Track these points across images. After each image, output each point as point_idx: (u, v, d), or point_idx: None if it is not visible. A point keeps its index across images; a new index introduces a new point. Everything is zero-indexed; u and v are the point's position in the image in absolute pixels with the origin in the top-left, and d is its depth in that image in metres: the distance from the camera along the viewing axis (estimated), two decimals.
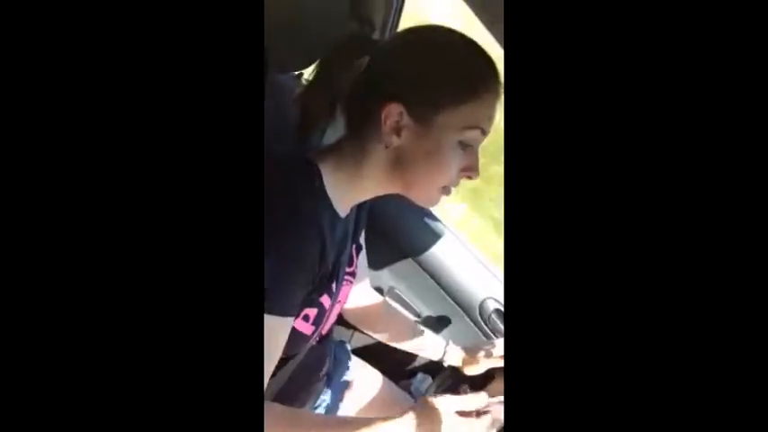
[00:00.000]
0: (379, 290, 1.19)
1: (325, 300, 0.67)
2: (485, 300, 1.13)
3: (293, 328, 0.62)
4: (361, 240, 0.83)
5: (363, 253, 0.86)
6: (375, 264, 1.16)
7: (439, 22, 0.65)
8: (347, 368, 0.97)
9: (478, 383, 0.93)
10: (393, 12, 0.98)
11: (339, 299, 0.74)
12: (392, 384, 1.02)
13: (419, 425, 0.61)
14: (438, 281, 1.16)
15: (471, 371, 0.93)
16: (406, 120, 0.60)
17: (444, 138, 0.60)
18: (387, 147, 0.61)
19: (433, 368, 1.09)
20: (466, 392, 0.66)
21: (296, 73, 0.93)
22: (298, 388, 0.78)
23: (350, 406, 0.94)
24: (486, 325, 1.14)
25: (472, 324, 1.15)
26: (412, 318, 1.17)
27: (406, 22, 1.02)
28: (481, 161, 0.65)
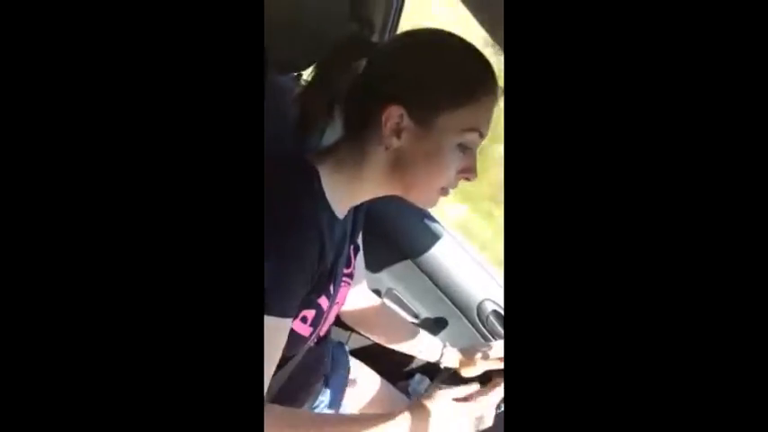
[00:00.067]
0: (377, 292, 1.19)
1: (323, 301, 0.67)
2: (482, 301, 1.13)
3: (291, 330, 0.62)
4: (359, 242, 0.84)
5: (361, 254, 0.86)
6: (374, 265, 1.16)
7: (438, 24, 0.65)
8: (346, 369, 0.97)
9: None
10: (392, 14, 0.99)
11: (337, 300, 0.74)
12: (390, 385, 1.02)
13: (413, 423, 0.61)
14: (436, 282, 1.16)
15: (468, 372, 0.93)
16: (407, 122, 0.60)
17: (444, 140, 0.61)
18: (387, 148, 0.62)
19: (431, 370, 1.10)
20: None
21: (295, 74, 0.93)
22: (296, 389, 0.78)
23: (348, 407, 0.94)
24: (484, 327, 1.14)
25: (470, 326, 1.15)
26: (410, 319, 1.18)
27: (405, 25, 1.02)
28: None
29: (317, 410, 0.87)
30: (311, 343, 0.74)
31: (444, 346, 0.96)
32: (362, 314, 0.96)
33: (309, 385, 0.84)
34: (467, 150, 0.63)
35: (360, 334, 1.01)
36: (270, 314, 0.56)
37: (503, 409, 0.72)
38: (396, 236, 1.16)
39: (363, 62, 0.64)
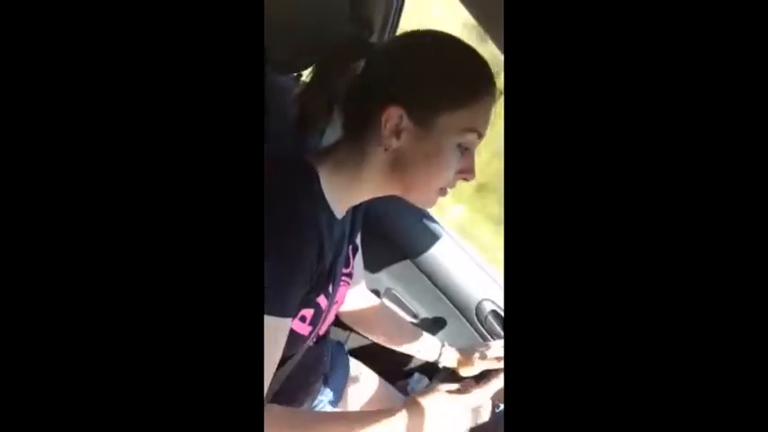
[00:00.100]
0: (377, 292, 1.19)
1: (322, 300, 0.68)
2: (481, 301, 1.13)
3: (290, 329, 0.62)
4: (358, 242, 0.84)
5: (359, 254, 0.87)
6: (373, 265, 1.17)
7: (436, 26, 0.65)
8: (345, 368, 0.97)
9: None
10: (392, 15, 0.99)
11: (336, 299, 0.74)
12: (388, 385, 1.02)
13: (410, 420, 0.61)
14: (435, 282, 1.16)
15: (466, 372, 0.94)
16: (406, 122, 0.60)
17: (444, 140, 0.61)
18: (386, 149, 0.62)
19: (429, 369, 1.10)
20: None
21: (295, 74, 0.93)
22: (296, 388, 0.78)
23: (348, 406, 0.94)
24: (483, 326, 1.14)
25: (468, 325, 1.16)
26: (409, 319, 1.18)
27: (404, 26, 1.03)
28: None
29: (316, 410, 0.88)
30: (310, 342, 0.75)
31: (443, 345, 0.96)
32: (361, 314, 0.96)
33: (309, 385, 0.84)
34: (465, 151, 0.63)
35: (359, 334, 1.01)
36: (270, 314, 0.56)
37: (501, 408, 0.73)
38: (395, 236, 1.16)
39: (362, 63, 0.64)
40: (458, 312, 1.16)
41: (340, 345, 1.02)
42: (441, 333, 1.17)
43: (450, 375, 0.97)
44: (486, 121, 0.63)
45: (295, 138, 0.69)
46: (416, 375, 1.12)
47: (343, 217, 0.70)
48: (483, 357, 0.91)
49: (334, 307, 0.77)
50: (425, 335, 0.97)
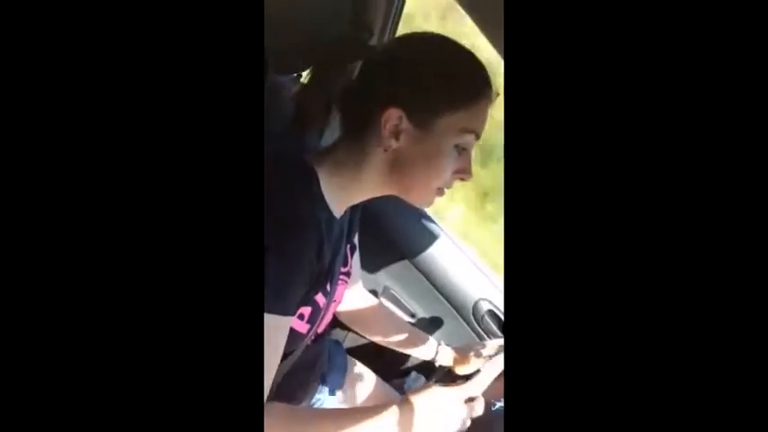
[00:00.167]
0: (374, 292, 1.19)
1: (320, 298, 0.68)
2: (478, 301, 1.14)
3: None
4: (355, 241, 0.85)
5: (357, 254, 0.87)
6: (371, 265, 1.17)
7: (435, 28, 0.66)
8: (344, 367, 0.98)
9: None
10: (392, 17, 0.99)
11: (334, 298, 0.75)
12: (386, 384, 1.03)
13: (401, 417, 0.62)
14: (433, 282, 1.17)
15: (462, 370, 0.94)
16: (406, 124, 0.61)
17: (442, 141, 0.62)
18: (385, 150, 0.63)
19: (426, 368, 1.10)
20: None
21: (295, 75, 0.94)
22: (294, 386, 0.79)
23: (345, 405, 0.95)
24: (479, 326, 1.15)
25: (465, 325, 1.16)
26: (406, 318, 1.18)
27: (403, 28, 1.03)
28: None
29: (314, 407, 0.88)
30: (308, 341, 0.75)
31: (439, 344, 0.97)
32: (359, 313, 0.96)
33: (307, 383, 0.85)
34: (463, 151, 0.64)
35: (356, 333, 1.02)
36: (271, 312, 0.57)
37: (497, 406, 0.73)
38: (393, 236, 1.17)
39: (360, 64, 0.65)
40: (455, 312, 1.17)
41: (338, 343, 1.03)
42: (438, 332, 1.18)
43: (447, 374, 0.98)
44: (482, 123, 0.64)
45: (294, 137, 0.70)
46: (413, 374, 1.13)
47: (342, 216, 0.70)
48: (479, 356, 0.91)
49: (333, 305, 0.77)
50: (422, 334, 0.98)
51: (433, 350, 0.96)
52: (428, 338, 0.98)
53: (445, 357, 0.96)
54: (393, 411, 0.62)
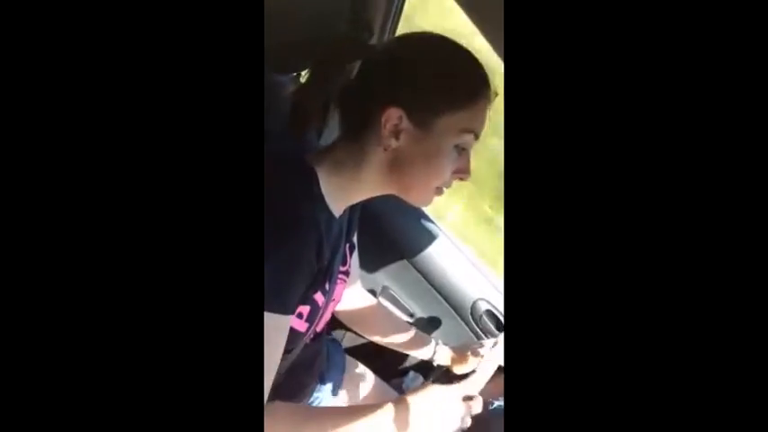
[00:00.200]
0: (373, 291, 1.20)
1: (319, 297, 0.68)
2: (476, 301, 1.14)
3: None
4: (354, 240, 0.85)
5: (356, 253, 0.87)
6: (370, 265, 1.18)
7: (434, 28, 0.66)
8: (342, 367, 0.98)
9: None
10: (391, 16, 1.00)
11: (333, 297, 0.75)
12: (384, 383, 1.03)
13: (396, 414, 0.62)
14: (431, 282, 1.17)
15: (460, 369, 0.94)
16: (406, 123, 0.61)
17: (442, 141, 0.62)
18: (385, 149, 0.63)
19: (424, 367, 1.11)
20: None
21: (294, 74, 0.94)
22: (292, 385, 0.79)
23: (343, 404, 0.95)
24: (477, 326, 1.15)
25: (464, 325, 1.17)
26: (404, 318, 1.19)
27: (402, 28, 1.03)
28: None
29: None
30: (307, 339, 0.75)
31: (437, 344, 0.97)
32: (357, 313, 0.97)
33: (305, 382, 0.85)
34: (462, 151, 0.65)
35: (355, 333, 1.02)
36: (272, 311, 0.57)
37: (495, 405, 0.73)
38: (392, 236, 1.17)
39: (359, 63, 0.65)
40: (453, 312, 1.17)
41: (336, 343, 1.03)
42: (436, 332, 1.18)
43: (445, 373, 0.98)
44: (482, 122, 0.64)
45: (292, 137, 0.70)
46: (411, 374, 1.13)
47: (341, 215, 0.71)
48: (476, 355, 0.92)
49: (332, 304, 0.77)
50: (420, 333, 0.98)
51: (431, 350, 0.96)
52: (426, 338, 0.98)
53: (443, 357, 0.97)
54: (391, 410, 0.62)
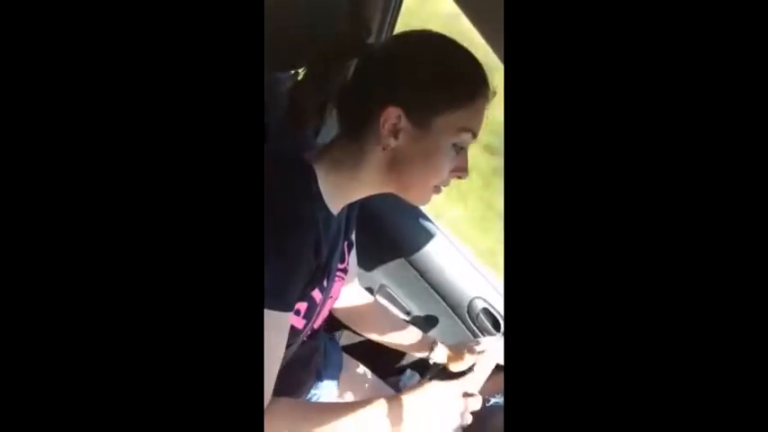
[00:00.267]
0: (370, 289, 1.20)
1: (317, 294, 0.69)
2: (473, 299, 1.15)
3: None
4: (352, 238, 0.85)
5: (354, 251, 0.88)
6: (368, 263, 1.18)
7: (432, 26, 0.66)
8: (339, 364, 0.98)
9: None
10: (390, 15, 1.00)
11: (331, 294, 0.75)
12: (381, 381, 1.03)
13: (390, 410, 0.62)
14: (428, 280, 1.17)
15: (456, 367, 0.95)
16: (404, 123, 0.62)
17: (440, 140, 0.63)
18: (384, 148, 0.63)
19: (421, 365, 1.11)
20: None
21: (293, 72, 0.94)
22: (289, 382, 0.79)
23: (340, 401, 0.95)
24: (474, 324, 1.15)
25: (460, 323, 1.17)
26: (402, 316, 1.19)
27: (400, 27, 1.04)
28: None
29: None
30: (304, 336, 0.76)
31: (434, 342, 0.98)
32: (355, 310, 0.97)
33: (303, 379, 0.85)
34: (460, 150, 0.65)
35: (352, 331, 1.02)
36: (273, 309, 0.57)
37: (491, 401, 0.74)
38: (389, 234, 1.18)
39: (356, 62, 0.66)
40: (450, 310, 1.17)
41: (334, 341, 1.03)
42: (433, 330, 1.19)
43: (441, 372, 0.99)
44: (480, 121, 0.65)
45: (291, 135, 0.70)
46: (408, 372, 1.13)
47: (339, 213, 0.71)
48: (473, 353, 0.92)
49: (329, 301, 0.78)
50: (417, 332, 0.99)
51: (428, 348, 0.97)
52: (423, 336, 0.98)
53: (440, 355, 0.97)
54: (392, 405, 0.63)
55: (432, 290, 1.18)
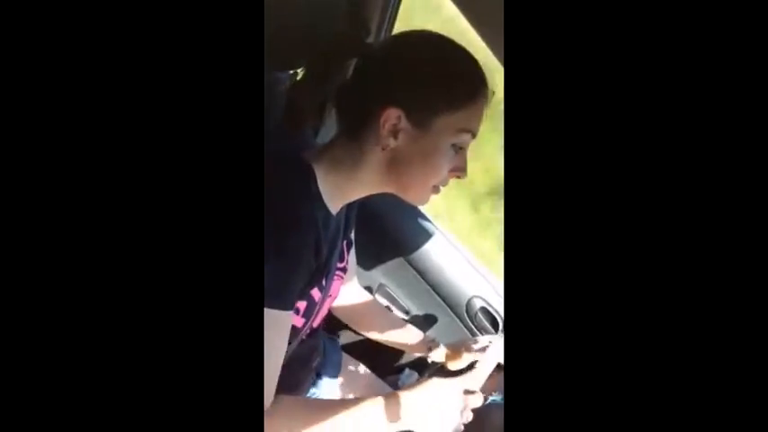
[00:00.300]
0: (369, 289, 1.20)
1: (316, 293, 0.69)
2: (471, 298, 1.15)
3: None
4: (351, 237, 0.85)
5: (353, 250, 0.88)
6: (367, 263, 1.18)
7: (431, 25, 0.67)
8: (338, 363, 0.99)
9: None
10: (388, 15, 1.00)
11: (330, 293, 0.76)
12: (380, 380, 1.04)
13: (387, 408, 0.63)
14: (427, 279, 1.18)
15: (454, 366, 0.95)
16: (404, 123, 0.62)
17: (440, 141, 0.63)
18: (383, 149, 0.63)
19: (419, 364, 1.12)
20: None
21: (292, 72, 0.94)
22: (288, 380, 0.79)
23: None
24: (473, 323, 1.16)
25: (459, 322, 1.17)
26: (401, 315, 1.19)
27: (399, 27, 1.04)
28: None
29: None
30: (303, 335, 0.76)
31: (432, 341, 0.98)
32: (353, 309, 0.97)
33: (302, 377, 0.86)
34: (459, 150, 0.65)
35: (351, 329, 1.02)
36: (274, 308, 0.58)
37: (489, 399, 0.74)
38: (388, 234, 1.18)
39: (355, 62, 0.66)
40: (448, 309, 1.18)
41: (333, 339, 1.03)
42: (431, 329, 1.19)
43: (440, 370, 0.99)
44: (478, 122, 0.65)
45: (290, 134, 0.70)
46: (407, 371, 1.13)
47: (338, 212, 0.71)
48: (470, 351, 0.93)
49: (328, 300, 0.78)
50: (416, 331, 0.99)
51: (426, 347, 0.97)
52: (421, 335, 0.99)
53: (438, 354, 0.97)
54: (394, 401, 0.63)
55: (430, 289, 1.18)
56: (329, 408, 0.64)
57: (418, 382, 0.65)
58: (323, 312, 0.80)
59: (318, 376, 0.93)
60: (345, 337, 1.15)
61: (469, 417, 0.65)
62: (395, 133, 0.62)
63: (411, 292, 1.20)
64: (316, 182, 0.65)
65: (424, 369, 1.05)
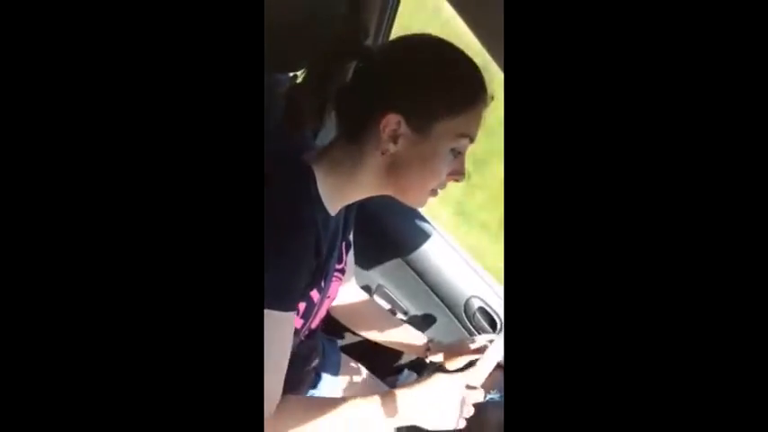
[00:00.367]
0: (368, 289, 1.21)
1: (315, 294, 0.69)
2: (469, 298, 1.15)
3: None
4: (350, 238, 0.86)
5: (352, 251, 0.88)
6: (365, 263, 1.18)
7: (430, 27, 0.67)
8: (337, 364, 0.99)
9: None
10: (386, 18, 1.00)
11: (328, 294, 0.76)
12: (379, 381, 1.04)
13: (385, 406, 0.63)
14: (425, 280, 1.18)
15: (452, 366, 0.96)
16: (404, 129, 0.62)
17: (439, 145, 0.63)
18: (383, 153, 0.64)
19: (418, 365, 1.12)
20: None
21: (292, 74, 0.95)
22: (288, 381, 0.80)
23: None
24: (471, 323, 1.16)
25: (457, 322, 1.18)
26: (399, 315, 1.20)
27: (397, 29, 1.04)
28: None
29: None
30: (302, 336, 0.76)
31: (430, 341, 0.98)
32: (352, 310, 0.97)
33: (301, 379, 0.86)
34: (458, 154, 0.66)
35: (349, 330, 1.03)
36: (275, 309, 0.58)
37: (488, 397, 0.74)
38: (387, 234, 1.18)
39: (355, 64, 0.66)
40: (447, 309, 1.18)
41: (332, 340, 1.04)
42: (430, 329, 1.19)
43: (438, 370, 0.99)
44: (477, 126, 0.65)
45: (289, 136, 0.71)
46: (406, 371, 1.14)
47: (337, 214, 0.71)
48: (468, 351, 0.93)
49: (327, 301, 0.78)
50: (414, 331, 0.99)
51: (425, 347, 0.98)
52: (420, 335, 0.99)
53: (436, 354, 0.98)
54: (395, 399, 0.64)
55: (429, 289, 1.18)
56: (332, 405, 0.65)
57: (420, 380, 0.66)
58: (321, 313, 0.80)
59: (318, 377, 0.94)
60: (346, 339, 1.15)
61: (470, 411, 0.65)
62: (395, 138, 0.63)
63: (409, 292, 1.20)
64: (315, 183, 0.65)
65: (423, 369, 1.05)
